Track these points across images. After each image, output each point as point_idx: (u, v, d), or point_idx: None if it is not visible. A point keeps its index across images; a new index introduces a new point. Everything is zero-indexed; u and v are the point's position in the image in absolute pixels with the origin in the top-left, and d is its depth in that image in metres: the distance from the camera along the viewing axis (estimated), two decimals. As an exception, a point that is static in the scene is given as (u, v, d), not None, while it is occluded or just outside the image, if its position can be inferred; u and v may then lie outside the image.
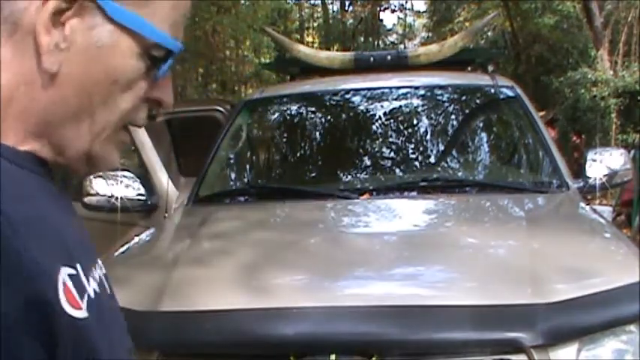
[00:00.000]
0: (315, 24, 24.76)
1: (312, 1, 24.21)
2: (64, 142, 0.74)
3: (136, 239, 2.56)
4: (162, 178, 3.89)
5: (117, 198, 3.13)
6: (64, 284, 0.66)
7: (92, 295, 0.72)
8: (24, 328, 0.61)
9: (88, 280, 0.72)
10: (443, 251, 2.11)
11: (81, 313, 0.67)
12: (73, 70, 0.71)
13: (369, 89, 3.44)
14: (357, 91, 3.44)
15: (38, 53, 0.69)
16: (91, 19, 0.70)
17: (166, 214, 3.40)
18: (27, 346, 0.61)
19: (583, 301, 1.73)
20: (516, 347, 1.62)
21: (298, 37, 20.64)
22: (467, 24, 16.83)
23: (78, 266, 0.71)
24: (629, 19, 14.44)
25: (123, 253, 2.39)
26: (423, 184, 2.81)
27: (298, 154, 3.52)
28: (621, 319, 1.71)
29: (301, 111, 3.54)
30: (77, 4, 0.69)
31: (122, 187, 3.19)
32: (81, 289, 0.70)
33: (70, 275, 0.68)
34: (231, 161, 3.38)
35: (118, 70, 0.73)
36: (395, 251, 2.20)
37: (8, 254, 0.61)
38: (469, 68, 3.93)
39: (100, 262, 0.84)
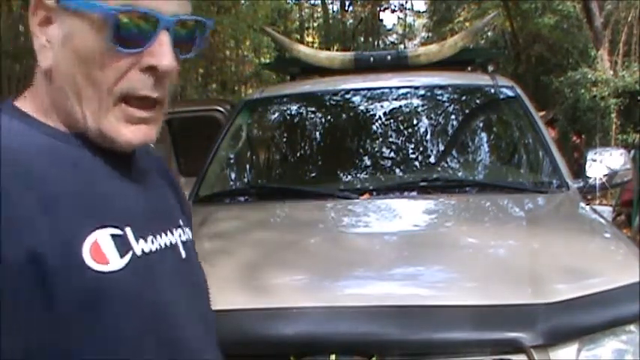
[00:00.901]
0: (315, 24, 24.73)
1: (312, 1, 24.20)
2: (74, 122, 0.86)
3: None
4: (162, 178, 3.88)
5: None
6: (95, 242, 0.80)
7: (139, 253, 0.85)
8: (24, 275, 0.73)
9: (138, 241, 0.86)
10: (443, 251, 2.11)
11: (107, 267, 0.80)
12: (58, 64, 0.85)
13: (369, 89, 3.44)
14: (357, 91, 3.44)
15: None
16: (60, 18, 0.85)
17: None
18: (25, 289, 0.74)
19: (583, 301, 1.73)
20: (516, 347, 1.62)
21: (298, 37, 20.63)
22: (467, 24, 16.81)
23: (127, 229, 0.85)
24: (629, 19, 14.42)
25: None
26: (423, 184, 2.81)
27: (298, 154, 3.52)
28: (621, 319, 1.71)
29: (301, 111, 3.54)
30: (52, 11, 0.85)
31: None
32: (123, 248, 0.83)
33: (112, 235, 0.83)
34: (231, 161, 3.38)
35: (81, 50, 0.84)
36: (395, 251, 2.19)
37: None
38: (469, 68, 3.93)
39: (181, 229, 0.98)
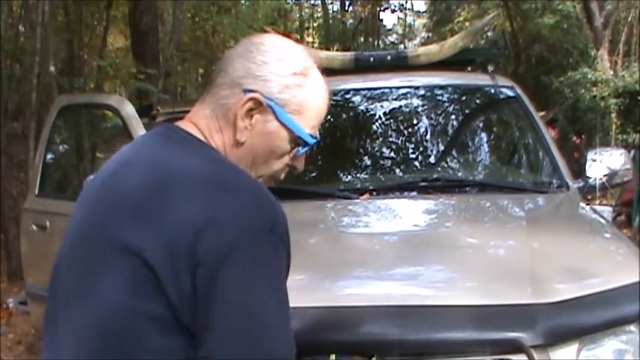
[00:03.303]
0: (315, 24, 24.71)
1: (312, 1, 24.19)
2: None
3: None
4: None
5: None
6: None
7: None
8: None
9: None
10: (443, 251, 2.11)
11: None
12: (251, 142, 1.21)
13: (369, 89, 3.44)
14: (357, 91, 3.44)
15: (235, 129, 1.20)
16: (267, 116, 1.20)
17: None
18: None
19: (583, 301, 1.73)
20: (516, 347, 1.62)
21: (298, 37, 20.60)
22: (467, 24, 16.78)
23: None
24: (629, 19, 14.42)
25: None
26: (423, 184, 2.81)
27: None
28: (621, 319, 1.71)
29: (301, 111, 3.53)
30: (261, 107, 1.19)
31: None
32: None
33: None
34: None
35: (275, 147, 1.22)
36: (395, 251, 2.19)
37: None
38: (469, 68, 3.93)
39: None
